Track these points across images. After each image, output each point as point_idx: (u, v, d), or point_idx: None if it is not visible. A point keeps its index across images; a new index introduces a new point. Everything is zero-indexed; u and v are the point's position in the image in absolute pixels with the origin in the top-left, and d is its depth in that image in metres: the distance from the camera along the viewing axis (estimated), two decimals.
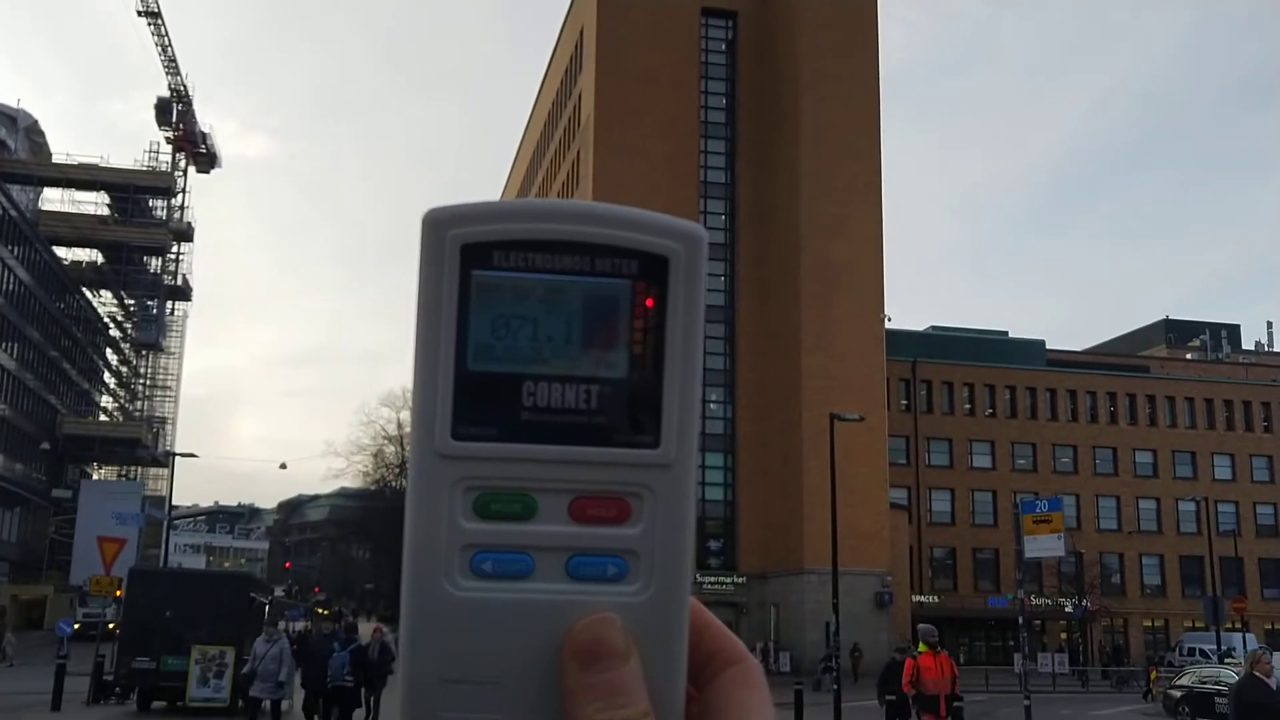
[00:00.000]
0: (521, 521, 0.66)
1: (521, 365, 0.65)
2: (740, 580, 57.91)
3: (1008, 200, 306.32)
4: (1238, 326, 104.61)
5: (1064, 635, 67.56)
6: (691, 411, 0.67)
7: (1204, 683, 29.52)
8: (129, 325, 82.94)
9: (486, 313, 0.65)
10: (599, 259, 0.65)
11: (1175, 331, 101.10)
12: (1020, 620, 18.69)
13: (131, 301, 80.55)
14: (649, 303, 0.65)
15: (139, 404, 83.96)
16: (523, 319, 0.65)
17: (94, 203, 77.87)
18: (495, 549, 0.65)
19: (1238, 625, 52.73)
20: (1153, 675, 41.15)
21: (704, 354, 0.64)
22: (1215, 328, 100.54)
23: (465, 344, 0.65)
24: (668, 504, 0.66)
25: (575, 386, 0.66)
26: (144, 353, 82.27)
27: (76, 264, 78.89)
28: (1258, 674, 12.21)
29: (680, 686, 0.67)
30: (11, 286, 67.21)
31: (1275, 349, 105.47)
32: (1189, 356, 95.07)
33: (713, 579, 57.36)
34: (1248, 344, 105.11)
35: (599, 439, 0.66)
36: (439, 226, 0.64)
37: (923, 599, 64.91)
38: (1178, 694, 30.25)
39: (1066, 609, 62.57)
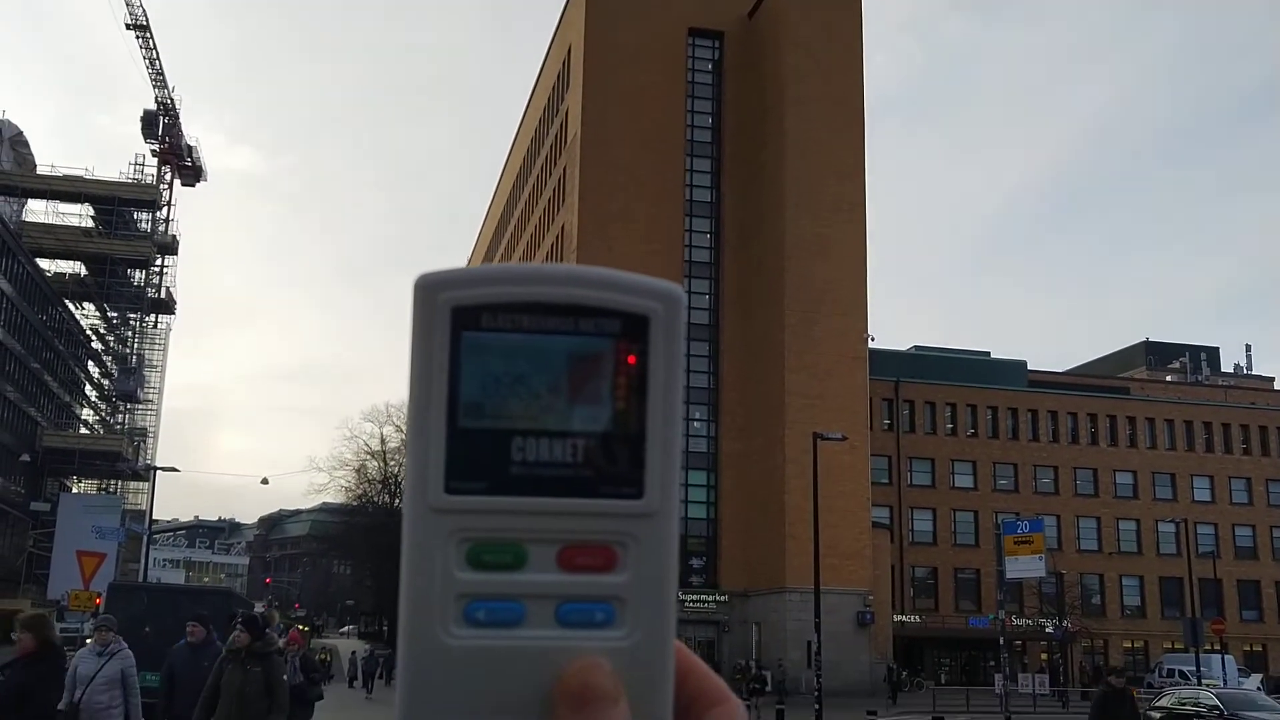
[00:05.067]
0: (512, 571, 0.68)
1: (510, 421, 0.67)
2: (722, 598, 57.91)
3: (991, 221, 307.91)
4: (1217, 349, 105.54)
5: (1044, 656, 67.71)
6: (673, 462, 0.69)
7: (1183, 704, 29.61)
8: (111, 339, 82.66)
9: (476, 371, 0.67)
10: (583, 319, 0.68)
11: (1155, 353, 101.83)
12: (1001, 640, 18.83)
13: (114, 314, 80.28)
14: (631, 360, 0.68)
15: (120, 417, 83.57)
16: (511, 377, 0.68)
17: (78, 215, 77.63)
18: (488, 598, 0.67)
19: (1216, 647, 52.98)
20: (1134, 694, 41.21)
21: (683, 401, 0.64)
22: (1195, 350, 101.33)
23: (456, 402, 0.67)
24: (652, 551, 0.69)
25: (562, 441, 0.68)
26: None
27: (60, 276, 78.55)
28: None
29: None
30: None
31: (1254, 372, 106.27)
32: (1169, 379, 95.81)
33: (694, 597, 57.34)
34: (1227, 366, 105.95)
35: (585, 490, 0.68)
36: (431, 290, 0.66)
37: (904, 618, 65.02)
38: (1157, 715, 30.34)
39: (1047, 629, 62.77)
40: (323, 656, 26.96)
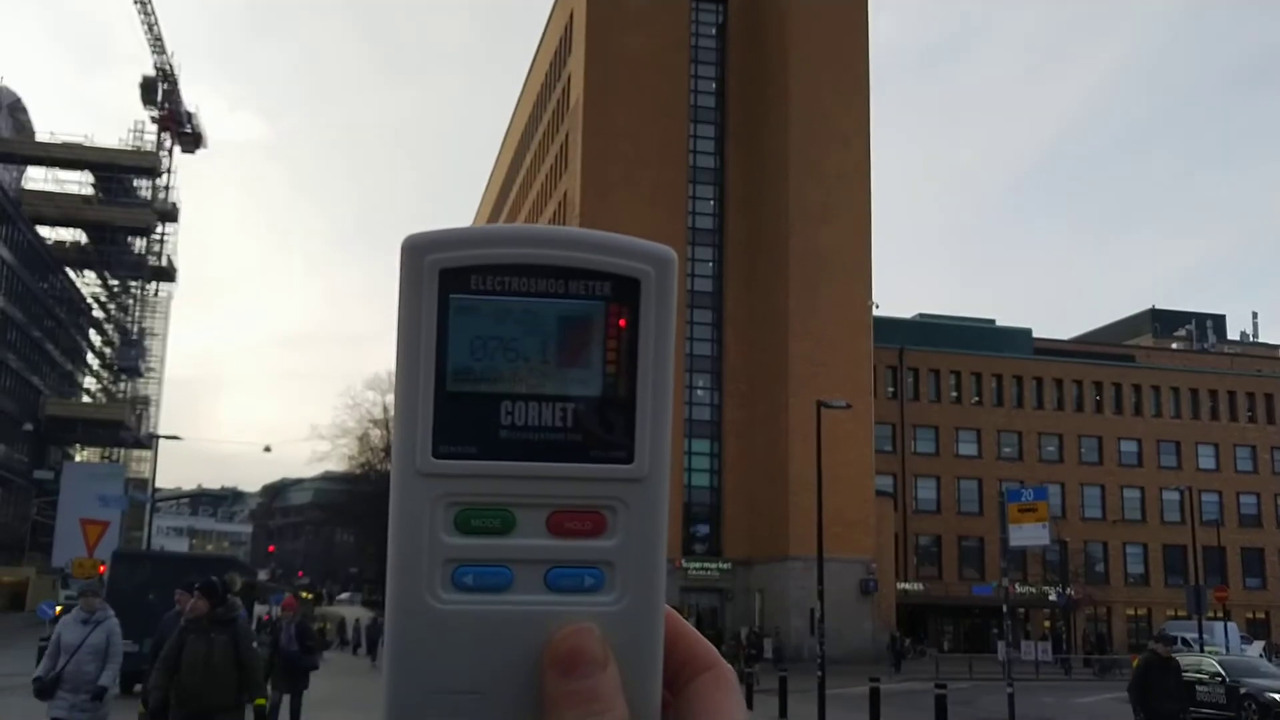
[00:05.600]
0: (501, 536, 0.68)
1: (499, 385, 0.67)
2: (725, 566, 57.92)
3: (997, 188, 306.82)
4: (1223, 317, 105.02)
5: (1048, 623, 67.80)
6: (663, 427, 0.69)
7: (1186, 671, 29.53)
8: (113, 307, 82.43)
9: (465, 335, 0.67)
10: (573, 281, 0.67)
11: (1161, 321, 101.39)
12: (1004, 608, 18.64)
13: (115, 282, 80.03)
14: (621, 323, 0.68)
15: (122, 386, 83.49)
16: (500, 340, 0.67)
17: (78, 182, 77.32)
18: (476, 563, 0.67)
19: (1220, 614, 52.95)
20: (1135, 663, 41.23)
21: (675, 365, 0.64)
22: (1201, 318, 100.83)
23: (445, 365, 0.67)
24: (642, 516, 0.69)
25: (551, 405, 0.68)
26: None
27: (60, 244, 78.29)
28: None
29: (656, 692, 0.69)
30: None
31: (1261, 339, 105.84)
32: (1175, 346, 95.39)
33: (698, 565, 57.36)
34: (1233, 334, 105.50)
35: (575, 455, 0.68)
36: (417, 252, 0.66)
37: (907, 586, 65.04)
38: None
39: (1050, 597, 62.76)
40: (321, 625, 26.55)
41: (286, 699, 15.33)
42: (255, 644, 8.83)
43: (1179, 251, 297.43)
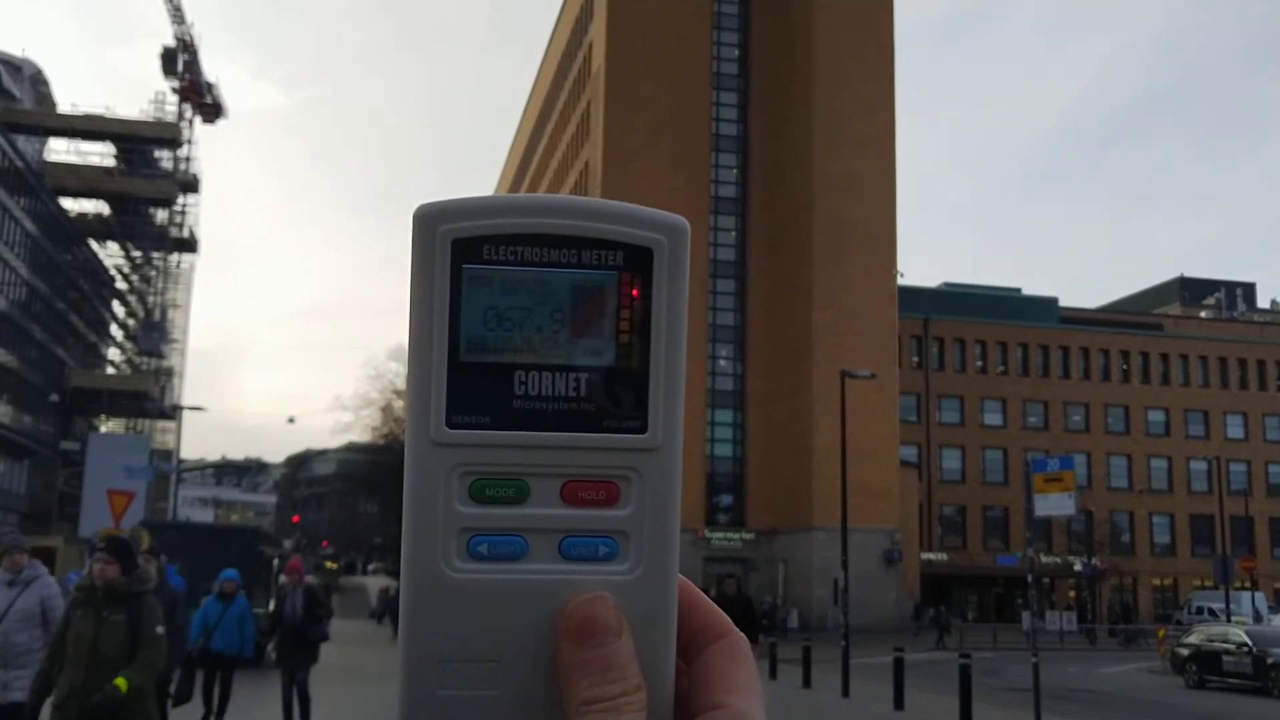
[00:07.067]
0: (515, 505, 0.68)
1: (512, 355, 0.67)
2: (749, 536, 57.84)
3: (1022, 156, 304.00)
4: (1253, 285, 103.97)
5: (1073, 593, 67.57)
6: (677, 396, 0.69)
7: (1212, 641, 29.35)
8: (135, 278, 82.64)
9: (477, 305, 0.67)
10: (585, 251, 0.67)
11: (1190, 289, 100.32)
12: (1029, 578, 18.38)
13: (138, 254, 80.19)
14: (634, 293, 0.68)
15: (146, 357, 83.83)
16: (513, 310, 0.67)
17: (100, 154, 77.34)
18: (490, 532, 0.68)
19: (1247, 584, 52.61)
20: (1160, 634, 41.00)
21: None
22: (1230, 286, 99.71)
23: (458, 335, 0.67)
24: (655, 486, 0.69)
25: (565, 375, 0.68)
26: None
27: (82, 216, 78.45)
28: None
29: (670, 661, 0.69)
30: (18, 238, 66.88)
31: None
32: (1203, 315, 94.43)
33: (721, 535, 57.30)
34: (1263, 302, 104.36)
35: (589, 425, 0.68)
36: (430, 222, 0.66)
37: (932, 556, 64.86)
38: (1185, 652, 30.08)
39: (1076, 567, 62.52)
40: (326, 585, 25.70)
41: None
42: (160, 629, 6.89)
43: (1208, 219, 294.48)
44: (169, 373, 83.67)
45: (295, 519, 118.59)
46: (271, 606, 16.08)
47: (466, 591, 0.67)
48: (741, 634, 0.73)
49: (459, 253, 0.66)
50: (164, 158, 78.21)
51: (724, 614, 0.73)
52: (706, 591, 0.66)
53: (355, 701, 17.89)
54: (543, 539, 0.68)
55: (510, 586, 0.67)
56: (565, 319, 0.68)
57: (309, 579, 14.48)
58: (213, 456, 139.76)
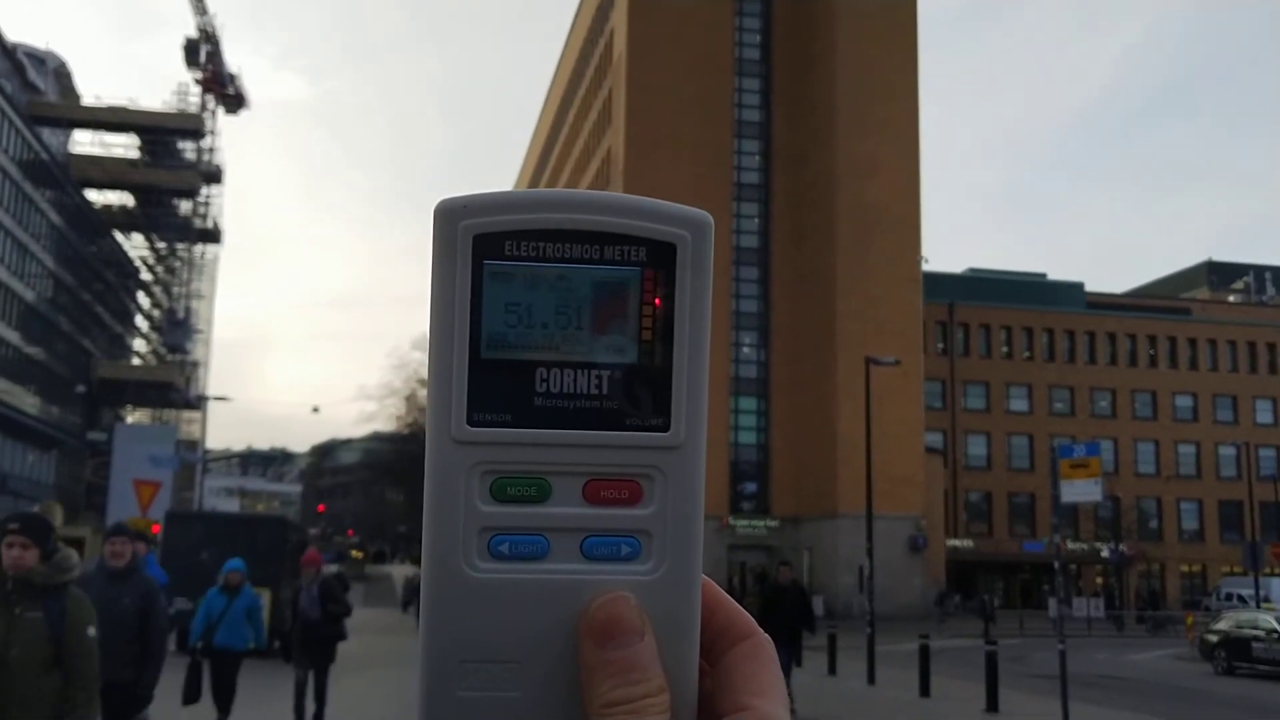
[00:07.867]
0: (537, 504, 0.67)
1: (534, 352, 0.67)
2: (773, 524, 57.70)
3: (1048, 140, 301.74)
4: None
5: (1100, 580, 67.16)
6: (700, 394, 0.68)
7: (1241, 628, 29.11)
8: (160, 269, 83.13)
9: (499, 301, 0.66)
10: (608, 247, 0.67)
11: (1218, 273, 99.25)
12: (1056, 565, 18.23)
13: (162, 245, 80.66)
14: (657, 289, 0.67)
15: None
16: (535, 307, 0.67)
17: (123, 145, 77.79)
18: (512, 531, 0.67)
19: (1277, 571, 52.14)
20: (1188, 620, 40.70)
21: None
22: (1260, 269, 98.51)
23: (479, 332, 0.66)
24: (678, 484, 0.68)
25: (587, 372, 0.67)
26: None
27: (107, 207, 78.95)
28: None
29: (694, 662, 0.68)
30: (44, 230, 67.37)
31: None
32: (1231, 299, 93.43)
33: (745, 522, 57.19)
34: None
35: (611, 423, 0.67)
36: (451, 217, 0.66)
37: (957, 543, 64.57)
38: (1214, 639, 29.85)
39: (1103, 554, 62.08)
40: (340, 576, 24.87)
41: (311, 676, 13.00)
42: (91, 630, 5.53)
43: (1236, 202, 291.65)
44: (194, 364, 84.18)
45: (321, 508, 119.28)
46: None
47: (488, 591, 0.66)
48: (766, 635, 0.72)
49: (480, 248, 0.66)
50: (187, 149, 78.61)
51: (748, 615, 0.72)
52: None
53: (375, 694, 17.84)
54: (564, 538, 0.68)
55: (532, 586, 0.67)
56: (587, 315, 0.67)
57: (329, 569, 13.66)
58: (238, 446, 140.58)
